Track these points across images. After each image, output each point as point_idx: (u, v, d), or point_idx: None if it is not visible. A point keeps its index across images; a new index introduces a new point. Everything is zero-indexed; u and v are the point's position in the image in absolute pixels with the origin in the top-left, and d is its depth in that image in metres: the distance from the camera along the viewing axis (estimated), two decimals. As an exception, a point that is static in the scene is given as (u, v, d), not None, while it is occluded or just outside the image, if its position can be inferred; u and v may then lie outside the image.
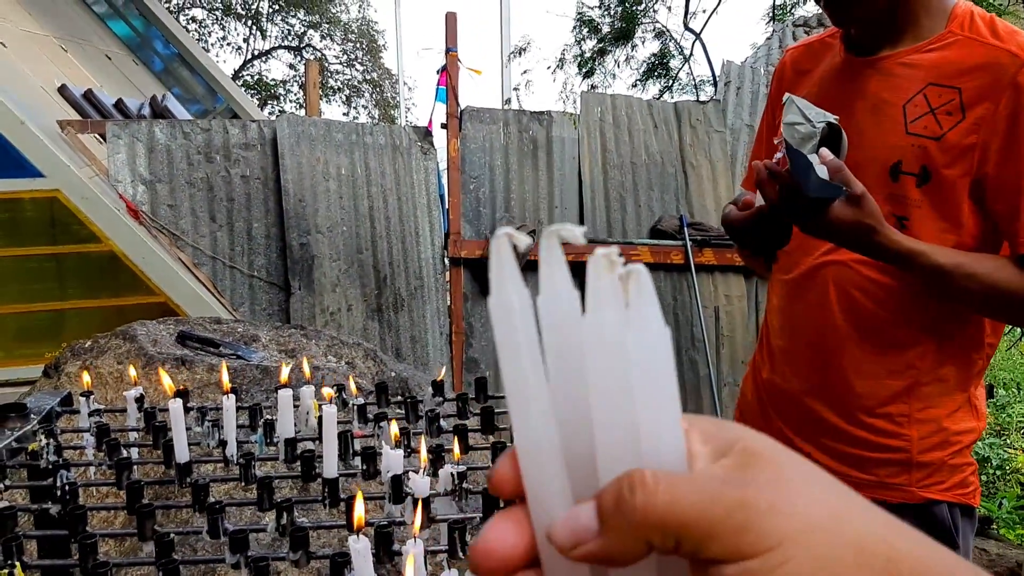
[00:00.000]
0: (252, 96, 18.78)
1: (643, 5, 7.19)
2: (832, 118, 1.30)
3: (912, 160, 1.31)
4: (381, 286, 5.15)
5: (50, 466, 1.49)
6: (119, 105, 5.46)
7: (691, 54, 7.43)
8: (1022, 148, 1.25)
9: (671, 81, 7.56)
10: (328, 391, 1.58)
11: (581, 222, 5.57)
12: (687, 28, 7.68)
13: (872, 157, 1.34)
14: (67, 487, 1.40)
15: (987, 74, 1.27)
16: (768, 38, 7.52)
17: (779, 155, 1.33)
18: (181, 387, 1.75)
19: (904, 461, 1.44)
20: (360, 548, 1.04)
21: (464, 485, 1.41)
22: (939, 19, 1.34)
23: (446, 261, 5.43)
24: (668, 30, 7.69)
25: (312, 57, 19.72)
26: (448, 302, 5.45)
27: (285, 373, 1.59)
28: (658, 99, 7.06)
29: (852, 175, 1.21)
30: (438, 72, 5.46)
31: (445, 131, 5.38)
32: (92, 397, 1.73)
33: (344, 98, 22.02)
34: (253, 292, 4.81)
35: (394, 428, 1.46)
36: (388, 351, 5.11)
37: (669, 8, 7.02)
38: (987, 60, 1.27)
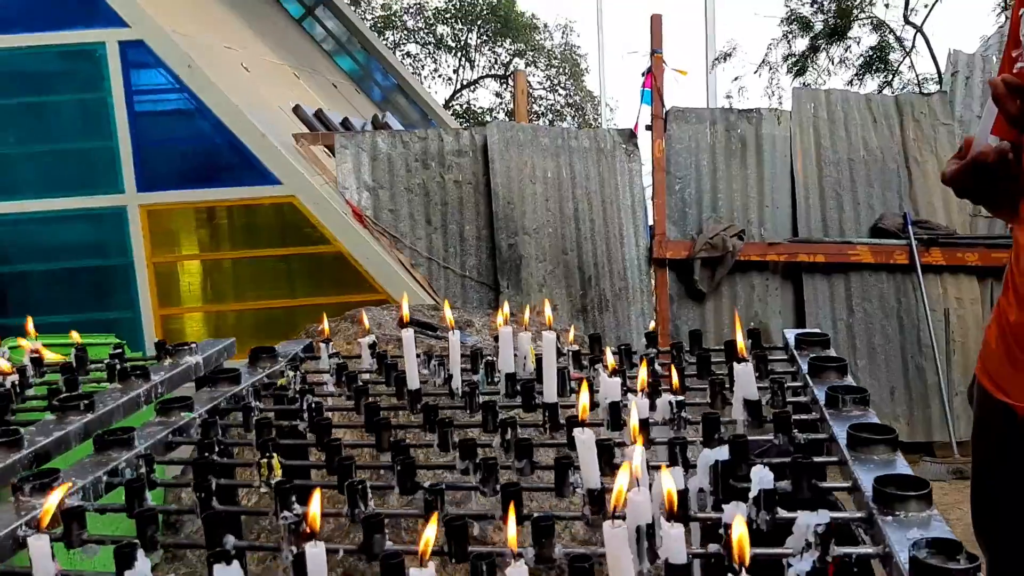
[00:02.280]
0: (461, 123, 19.64)
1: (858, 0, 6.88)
2: None
3: None
4: (586, 287, 5.20)
5: (296, 395, 1.62)
6: (345, 123, 5.89)
7: (912, 47, 7.00)
8: None
9: (891, 76, 7.15)
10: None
11: (794, 221, 5.37)
12: (907, 22, 7.25)
13: None
14: (312, 406, 1.52)
15: None
16: (1000, 26, 6.95)
17: (1020, 65, 1.24)
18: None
19: None
20: (585, 439, 1.06)
21: (683, 414, 1.39)
22: None
23: (651, 262, 5.41)
24: (887, 23, 7.30)
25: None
26: (653, 303, 5.41)
27: (506, 308, 1.65)
28: (879, 93, 6.70)
29: None
30: (643, 74, 5.47)
31: (650, 132, 5.38)
32: (331, 342, 1.87)
33: (548, 122, 22.50)
34: (465, 291, 5.01)
35: (611, 359, 1.47)
36: (594, 352, 5.14)
37: (887, 5, 6.66)
38: None
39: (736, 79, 8.08)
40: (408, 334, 1.54)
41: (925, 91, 6.51)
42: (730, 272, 5.24)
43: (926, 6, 7.20)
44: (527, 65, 21.03)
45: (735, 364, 1.38)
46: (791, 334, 1.79)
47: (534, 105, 21.22)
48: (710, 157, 5.39)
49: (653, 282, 5.42)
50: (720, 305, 5.34)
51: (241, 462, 1.41)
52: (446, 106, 19.56)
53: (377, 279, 4.64)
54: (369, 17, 19.36)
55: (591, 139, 5.40)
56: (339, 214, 4.64)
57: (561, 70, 21.53)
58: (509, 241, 5.00)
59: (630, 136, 5.48)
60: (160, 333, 4.65)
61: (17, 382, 1.74)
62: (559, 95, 22.33)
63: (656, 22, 5.38)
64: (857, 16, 6.80)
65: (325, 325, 1.98)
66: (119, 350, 1.92)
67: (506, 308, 1.69)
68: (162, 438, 1.43)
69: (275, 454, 1.26)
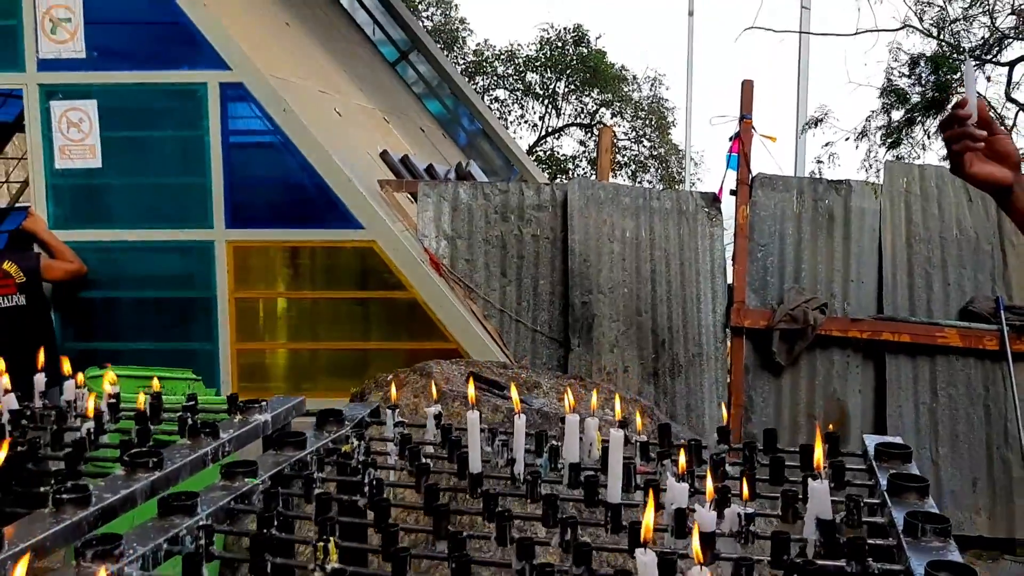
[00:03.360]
0: (544, 170, 19.78)
1: (958, 74, 6.70)
2: None
3: None
4: (659, 350, 5.13)
5: (359, 465, 1.62)
6: (429, 170, 5.98)
7: (1013, 125, 6.77)
8: None
9: (989, 153, 6.91)
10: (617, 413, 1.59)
11: (879, 298, 5.21)
12: (1010, 99, 7.03)
13: None
14: (374, 482, 1.51)
15: None
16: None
17: None
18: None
19: None
20: (647, 561, 1.02)
21: (751, 528, 1.34)
22: None
23: (728, 330, 5.30)
24: (987, 99, 7.09)
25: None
26: (728, 372, 5.30)
27: (570, 398, 1.62)
28: (973, 171, 6.46)
29: None
30: (731, 139, 5.42)
31: (734, 198, 5.31)
32: (397, 411, 1.87)
33: (630, 173, 22.50)
34: (535, 346, 4.99)
35: (681, 460, 1.43)
36: (665, 418, 5.04)
37: (988, 78, 6.48)
38: None
39: (827, 145, 7.93)
40: (473, 417, 1.52)
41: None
42: (809, 346, 5.10)
43: (1031, 81, 6.99)
44: (613, 116, 21.11)
45: (811, 481, 1.32)
46: (872, 442, 1.72)
47: (618, 155, 21.25)
48: (795, 226, 5.28)
49: (728, 350, 5.31)
50: (797, 380, 5.19)
51: (299, 539, 1.41)
52: (530, 151, 19.74)
53: (449, 328, 4.66)
54: (461, 62, 19.77)
55: (673, 200, 5.36)
56: (416, 261, 4.69)
57: (648, 122, 21.54)
58: (583, 299, 4.97)
59: (713, 200, 5.42)
60: (236, 366, 4.75)
61: (93, 429, 1.78)
62: (644, 146, 22.33)
63: (747, 88, 5.34)
64: (956, 90, 6.63)
65: (393, 391, 1.99)
66: (192, 401, 1.95)
67: (570, 396, 1.66)
68: (224, 504, 1.44)
69: (332, 537, 1.26)
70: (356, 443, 1.77)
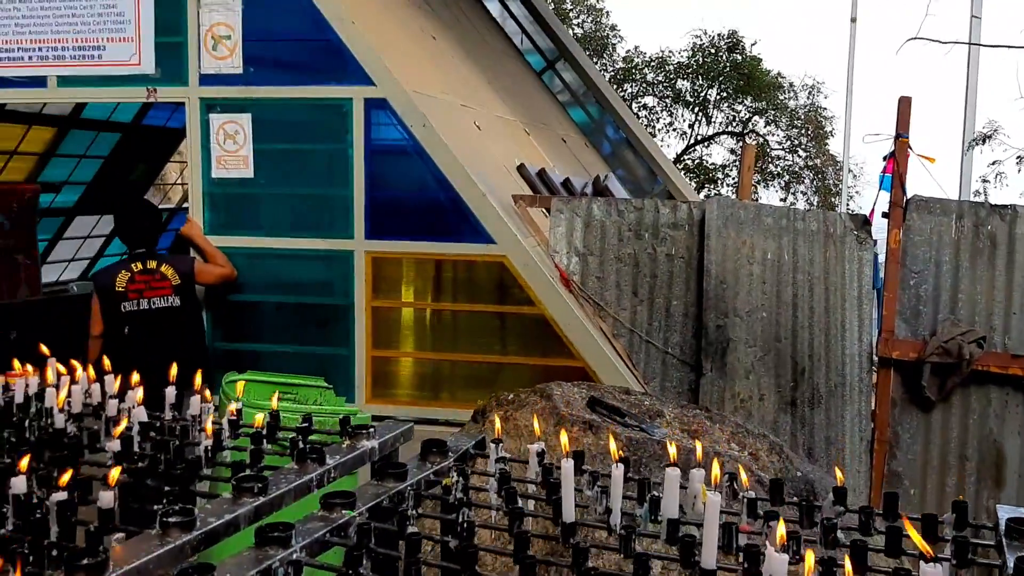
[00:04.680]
0: (691, 179, 19.41)
1: None
2: None
3: None
4: (798, 379, 4.90)
5: (456, 502, 1.61)
6: (566, 183, 5.97)
7: None
8: None
9: None
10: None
11: (1045, 333, 4.78)
12: None
13: None
14: (466, 524, 1.50)
15: None
16: None
17: None
18: (581, 448, 1.81)
19: None
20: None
21: (857, 611, 1.24)
22: None
23: (875, 360, 5.01)
24: None
25: (753, 142, 19.86)
26: (873, 405, 5.00)
27: (672, 452, 1.56)
28: None
29: None
30: (885, 159, 5.12)
31: (887, 220, 5.01)
32: (501, 444, 1.86)
33: (783, 183, 21.76)
34: (665, 368, 4.88)
35: (782, 529, 1.34)
36: (799, 449, 4.82)
37: None
38: None
39: (994, 163, 7.36)
40: (568, 468, 1.48)
41: None
42: (964, 382, 4.74)
43: None
44: (767, 124, 20.48)
45: (923, 565, 1.21)
46: (1004, 514, 1.56)
47: (771, 165, 20.58)
48: (953, 253, 4.93)
49: (875, 382, 5.01)
50: (949, 417, 4.84)
51: (385, 580, 1.42)
52: (678, 160, 19.42)
53: (577, 346, 4.62)
54: (610, 69, 19.68)
55: (819, 221, 5.11)
56: (547, 277, 4.68)
57: (804, 131, 20.76)
58: (718, 322, 4.82)
59: (863, 222, 5.13)
60: (371, 373, 4.89)
61: (211, 447, 1.86)
62: (799, 156, 21.55)
63: (904, 105, 5.03)
64: None
65: (498, 425, 1.98)
66: (307, 423, 2.01)
67: (672, 450, 1.59)
68: (319, 536, 1.47)
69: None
70: (456, 477, 1.76)
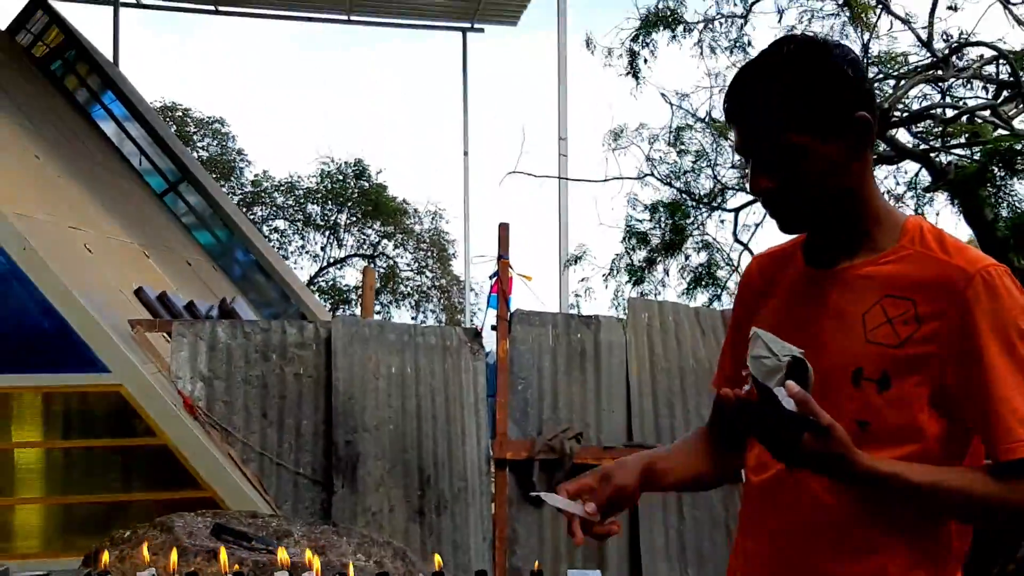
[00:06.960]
0: (326, 300, 19.64)
1: (691, 219, 7.50)
2: (797, 352, 1.36)
3: (873, 367, 1.36)
4: (424, 487, 5.14)
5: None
6: (190, 307, 5.82)
7: (738, 265, 7.63)
8: (977, 360, 1.31)
9: (719, 290, 7.74)
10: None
11: (629, 426, 5.55)
12: (736, 240, 7.93)
13: (836, 364, 1.39)
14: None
15: (938, 289, 1.34)
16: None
17: (747, 387, 1.40)
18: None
19: None
20: None
21: None
22: (891, 233, 1.43)
23: (492, 462, 5.42)
24: (716, 241, 7.96)
25: (383, 265, 20.71)
26: (492, 506, 5.38)
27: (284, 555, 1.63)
28: (707, 307, 7.19)
29: (818, 407, 1.26)
30: (491, 278, 5.71)
31: (495, 333, 5.55)
32: (105, 580, 1.78)
33: (414, 303, 22.79)
34: (297, 490, 4.86)
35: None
36: (429, 556, 5.02)
37: (722, 220, 7.39)
38: (937, 275, 1.35)
39: (582, 280, 8.57)
40: (172, 588, 1.49)
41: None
42: (568, 475, 5.31)
43: (756, 224, 7.94)
44: (396, 247, 21.51)
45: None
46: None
47: (400, 286, 21.54)
48: (551, 359, 5.58)
49: (493, 484, 5.42)
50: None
51: None
52: (311, 283, 19.60)
53: (203, 475, 4.46)
54: (238, 192, 19.54)
55: (437, 336, 5.51)
56: (168, 405, 4.50)
57: (429, 254, 22.11)
58: (347, 438, 4.94)
59: (475, 335, 5.63)
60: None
61: None
62: (427, 277, 22.80)
63: (503, 231, 5.68)
64: (691, 233, 7.41)
65: (106, 556, 1.89)
66: None
67: (316, 563, 1.66)
68: None
69: None
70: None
